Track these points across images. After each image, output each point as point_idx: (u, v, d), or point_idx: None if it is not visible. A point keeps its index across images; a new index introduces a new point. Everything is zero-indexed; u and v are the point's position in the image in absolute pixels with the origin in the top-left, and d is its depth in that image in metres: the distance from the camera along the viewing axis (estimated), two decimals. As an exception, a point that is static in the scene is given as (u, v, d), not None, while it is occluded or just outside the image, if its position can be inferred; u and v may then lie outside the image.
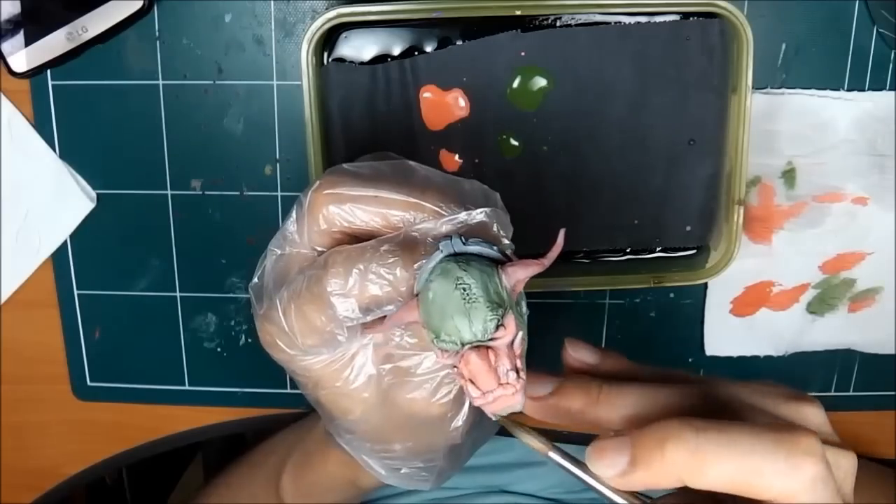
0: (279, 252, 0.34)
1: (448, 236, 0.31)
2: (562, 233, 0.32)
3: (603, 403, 0.31)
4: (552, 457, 0.30)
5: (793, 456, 0.27)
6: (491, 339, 0.30)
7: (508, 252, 0.32)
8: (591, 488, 0.29)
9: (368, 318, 0.32)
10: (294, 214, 0.33)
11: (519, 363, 0.30)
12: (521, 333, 0.30)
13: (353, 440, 0.38)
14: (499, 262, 0.31)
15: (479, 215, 0.31)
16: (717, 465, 0.27)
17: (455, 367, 0.30)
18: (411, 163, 0.34)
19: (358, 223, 0.32)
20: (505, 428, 0.32)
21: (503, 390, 0.30)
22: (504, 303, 0.30)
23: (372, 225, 0.32)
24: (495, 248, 0.31)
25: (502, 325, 0.30)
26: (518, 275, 0.31)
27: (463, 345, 0.30)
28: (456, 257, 0.30)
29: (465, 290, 0.29)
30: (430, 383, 0.34)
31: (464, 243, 0.31)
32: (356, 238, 0.32)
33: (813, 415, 0.31)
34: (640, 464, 0.27)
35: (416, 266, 0.30)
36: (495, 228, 0.32)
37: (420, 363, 0.34)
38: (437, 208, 0.31)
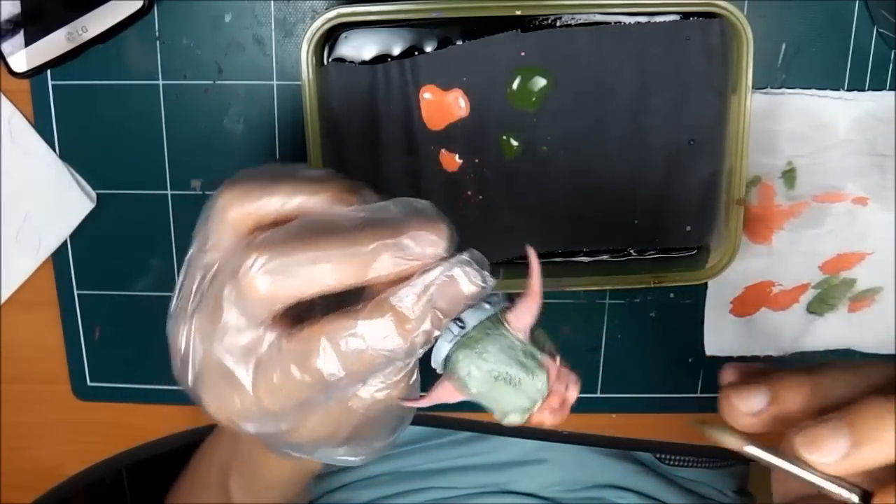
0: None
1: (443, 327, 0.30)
2: (531, 252, 0.31)
3: (817, 394, 0.30)
4: (750, 451, 0.30)
5: None
6: None
7: (494, 291, 0.31)
8: (798, 478, 0.29)
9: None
10: (228, 298, 0.31)
11: (560, 361, 0.32)
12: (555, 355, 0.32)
13: (306, 450, 0.36)
14: (498, 312, 0.31)
15: (456, 268, 0.29)
16: None
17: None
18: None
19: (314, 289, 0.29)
20: (701, 433, 0.31)
21: (573, 392, 0.32)
22: (536, 357, 0.31)
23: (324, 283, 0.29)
24: (487, 305, 0.31)
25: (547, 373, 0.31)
26: (525, 321, 0.31)
27: (531, 409, 0.31)
28: (463, 340, 0.31)
29: (505, 380, 0.30)
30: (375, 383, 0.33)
31: (461, 326, 0.31)
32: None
33: None
34: (864, 443, 0.27)
35: (411, 344, 0.29)
36: (474, 277, 0.29)
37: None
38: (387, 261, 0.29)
